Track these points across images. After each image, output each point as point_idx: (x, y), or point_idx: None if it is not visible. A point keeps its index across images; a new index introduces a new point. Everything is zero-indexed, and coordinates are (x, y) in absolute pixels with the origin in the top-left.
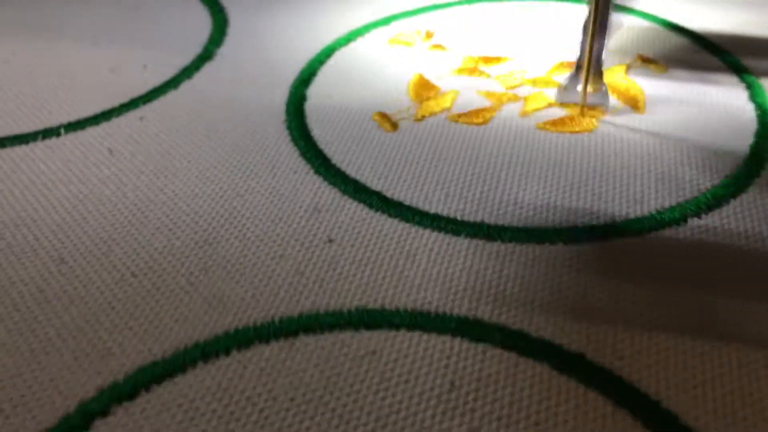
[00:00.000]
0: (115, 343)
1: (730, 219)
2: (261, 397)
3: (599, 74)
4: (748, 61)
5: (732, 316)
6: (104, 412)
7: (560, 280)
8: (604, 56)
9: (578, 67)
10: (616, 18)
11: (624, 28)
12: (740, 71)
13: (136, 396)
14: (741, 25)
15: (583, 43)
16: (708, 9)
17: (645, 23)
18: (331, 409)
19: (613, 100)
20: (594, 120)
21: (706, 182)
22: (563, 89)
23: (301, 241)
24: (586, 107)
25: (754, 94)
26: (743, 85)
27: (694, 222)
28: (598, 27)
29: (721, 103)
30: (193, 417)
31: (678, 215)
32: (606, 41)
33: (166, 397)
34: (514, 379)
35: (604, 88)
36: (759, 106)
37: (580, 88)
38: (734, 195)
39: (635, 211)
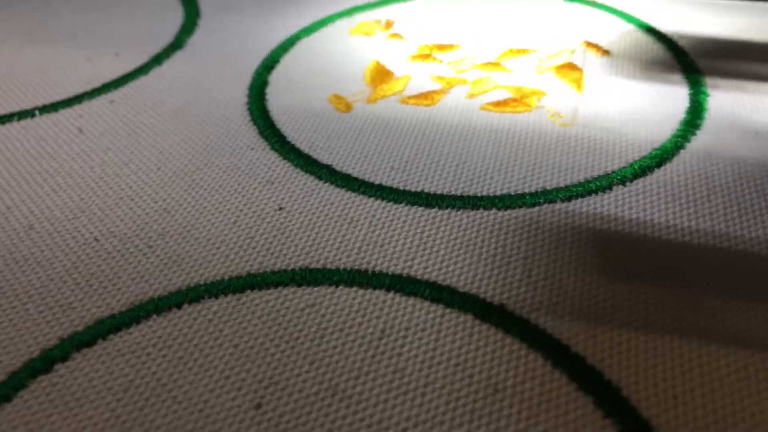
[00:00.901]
0: (77, 299)
1: (652, 186)
2: (207, 344)
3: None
4: (701, 60)
5: (644, 272)
6: (64, 358)
7: (489, 242)
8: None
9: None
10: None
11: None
12: (687, 66)
13: (94, 344)
14: (702, 26)
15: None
16: (678, 10)
17: (608, 17)
18: (271, 354)
19: (555, 80)
20: (535, 99)
21: (634, 154)
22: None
23: (253, 209)
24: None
25: (692, 87)
26: (686, 80)
27: (619, 190)
28: None
29: (658, 90)
30: (145, 361)
31: (605, 183)
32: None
33: (121, 345)
34: (440, 327)
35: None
36: (693, 96)
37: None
38: (659, 165)
39: (565, 180)
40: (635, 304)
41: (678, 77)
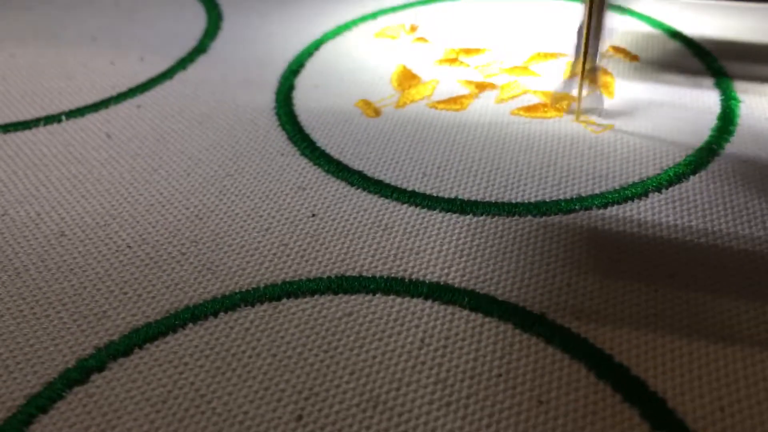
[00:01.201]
0: (111, 307)
1: (688, 193)
2: (245, 354)
3: (594, 78)
4: (728, 64)
5: (686, 278)
6: (101, 368)
7: (526, 250)
8: (598, 60)
9: (573, 70)
10: (611, 23)
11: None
12: (716, 71)
13: (130, 353)
14: (727, 30)
15: (577, 46)
16: (703, 15)
17: (635, 22)
18: (310, 364)
19: (584, 84)
20: (566, 104)
21: (668, 161)
22: (557, 94)
23: (286, 216)
24: (581, 111)
25: (722, 93)
26: (716, 85)
27: (655, 197)
28: (592, 31)
29: (689, 96)
30: (183, 371)
31: (640, 190)
32: (601, 45)
33: (158, 354)
34: (480, 337)
35: (598, 92)
36: (725, 102)
37: (575, 92)
38: (694, 172)
39: (600, 187)
40: (678, 312)
41: (707, 82)
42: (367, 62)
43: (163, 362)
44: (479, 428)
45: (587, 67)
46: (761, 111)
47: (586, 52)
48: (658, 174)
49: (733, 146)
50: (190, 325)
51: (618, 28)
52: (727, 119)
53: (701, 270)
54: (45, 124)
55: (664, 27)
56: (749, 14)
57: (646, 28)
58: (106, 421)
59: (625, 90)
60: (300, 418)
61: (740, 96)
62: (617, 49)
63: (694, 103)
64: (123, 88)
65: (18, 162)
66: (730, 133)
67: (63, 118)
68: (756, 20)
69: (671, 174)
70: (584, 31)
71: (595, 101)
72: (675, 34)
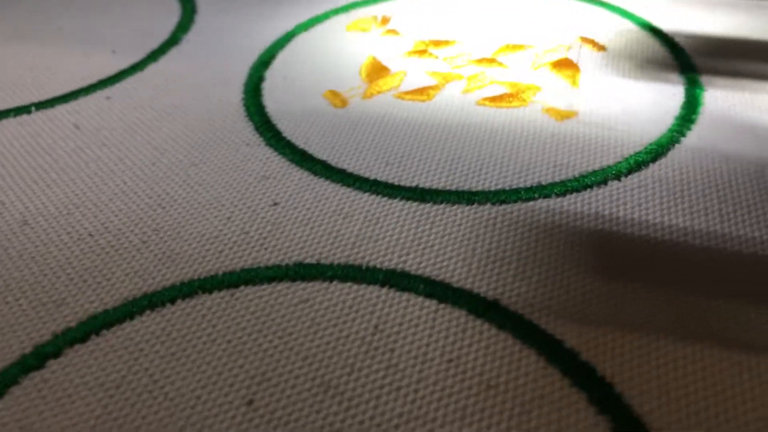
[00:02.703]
0: (70, 294)
1: (647, 181)
2: (201, 340)
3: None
4: (696, 57)
5: (640, 267)
6: (57, 354)
7: (484, 237)
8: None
9: None
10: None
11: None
12: (684, 63)
13: (87, 340)
14: (698, 23)
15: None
16: (676, 8)
17: (606, 13)
18: (264, 350)
19: (551, 75)
20: (531, 95)
21: (630, 149)
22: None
23: (248, 204)
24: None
25: (687, 83)
26: (682, 76)
27: (614, 184)
28: None
29: (654, 86)
30: (138, 357)
31: (600, 178)
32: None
33: (114, 340)
34: (433, 323)
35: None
36: (689, 91)
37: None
38: (654, 160)
39: (560, 175)
40: (630, 299)
41: (674, 74)
42: (337, 54)
43: (119, 348)
44: (428, 411)
45: None
46: (725, 102)
47: None
48: (619, 162)
49: (695, 135)
50: (148, 312)
51: (588, 18)
52: (690, 108)
53: (655, 259)
54: (15, 116)
55: (634, 18)
56: (721, 9)
57: (616, 19)
58: (60, 406)
59: (590, 80)
60: (251, 402)
61: (705, 87)
62: (585, 40)
63: (659, 93)
64: (93, 80)
65: None
66: (692, 121)
67: (32, 109)
68: (729, 15)
69: (631, 162)
70: None
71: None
72: (645, 26)
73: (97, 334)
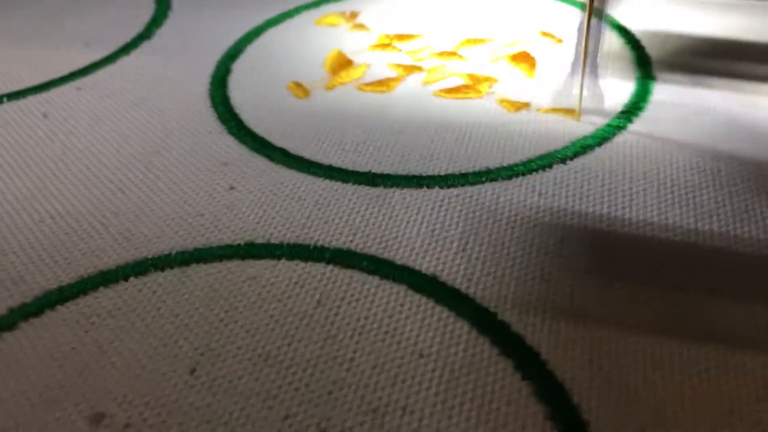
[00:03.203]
0: (28, 272)
1: (591, 164)
2: (150, 315)
3: (595, 76)
4: (653, 51)
5: (574, 244)
6: (12, 326)
7: (429, 218)
8: (599, 59)
9: (573, 69)
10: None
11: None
12: (638, 56)
13: (41, 314)
14: (657, 19)
15: (578, 45)
16: (639, 5)
17: (563, 6)
18: (210, 323)
19: (508, 67)
20: (487, 86)
21: (578, 135)
22: (558, 93)
23: (205, 189)
24: (581, 111)
25: (639, 74)
26: (635, 66)
27: (559, 168)
28: (593, 29)
29: (608, 75)
30: (88, 330)
31: (546, 162)
32: (602, 43)
33: (67, 315)
34: (374, 297)
35: (599, 91)
36: (640, 81)
37: (576, 91)
38: (599, 145)
39: (508, 160)
40: (562, 276)
41: (628, 64)
42: (304, 48)
43: (71, 322)
44: (361, 379)
45: (587, 66)
46: (673, 94)
47: (585, 53)
48: (565, 146)
49: (641, 123)
50: (101, 288)
51: (548, 13)
52: (639, 97)
53: (589, 237)
54: None
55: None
56: (687, 6)
57: (576, 13)
58: (11, 375)
59: (545, 70)
60: (194, 371)
61: (657, 79)
62: (545, 33)
63: (611, 83)
64: (65, 72)
65: None
66: (640, 109)
67: (4, 99)
68: (690, 10)
69: (578, 146)
70: (584, 31)
71: (596, 101)
72: (609, 22)
73: (52, 308)
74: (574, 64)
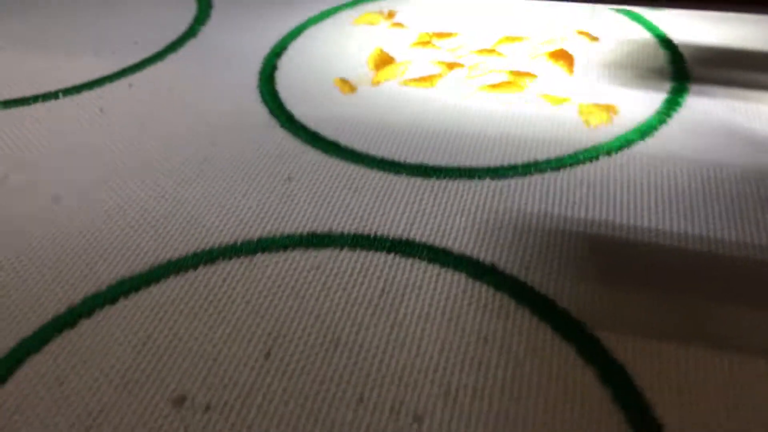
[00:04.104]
0: (100, 261)
1: (635, 158)
2: (221, 302)
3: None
4: (691, 60)
5: (626, 232)
6: (89, 314)
7: (483, 209)
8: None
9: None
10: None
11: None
12: (677, 65)
13: (116, 301)
14: (700, 32)
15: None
16: (680, 17)
17: (599, 6)
18: (279, 310)
19: (547, 64)
20: (528, 82)
21: (620, 130)
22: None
23: (264, 180)
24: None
25: (674, 78)
26: (672, 72)
27: (604, 160)
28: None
29: (644, 76)
30: (163, 317)
31: (592, 155)
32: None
33: (141, 302)
34: (435, 285)
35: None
36: (674, 87)
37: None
38: (642, 137)
39: (555, 152)
40: (617, 263)
41: (663, 66)
42: (346, 46)
43: (146, 309)
44: (429, 364)
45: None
46: (706, 102)
47: None
48: (610, 141)
49: (679, 120)
50: (172, 276)
51: (583, 12)
52: (673, 103)
53: (640, 225)
54: (44, 101)
55: (628, 13)
56: (724, 21)
57: (610, 14)
58: (92, 360)
59: (582, 68)
60: (268, 355)
61: (691, 87)
62: (580, 32)
63: (648, 84)
64: (117, 69)
65: (18, 134)
66: (678, 104)
67: (60, 95)
68: (730, 27)
69: (622, 140)
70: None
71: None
72: (649, 27)
73: (126, 296)
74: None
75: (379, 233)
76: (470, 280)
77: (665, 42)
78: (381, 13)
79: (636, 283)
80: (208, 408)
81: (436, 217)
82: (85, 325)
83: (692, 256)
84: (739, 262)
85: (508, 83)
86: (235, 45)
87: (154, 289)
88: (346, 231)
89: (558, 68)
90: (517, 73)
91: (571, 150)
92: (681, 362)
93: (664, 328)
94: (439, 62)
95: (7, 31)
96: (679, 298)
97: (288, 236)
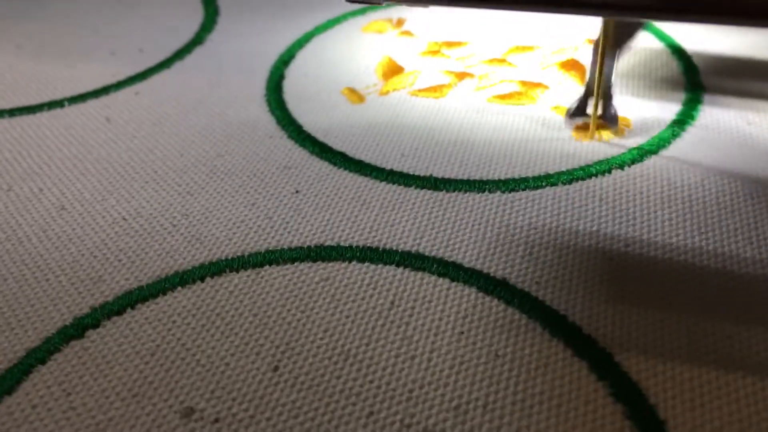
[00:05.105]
0: (107, 272)
1: (649, 171)
2: (228, 314)
3: (608, 97)
4: (705, 71)
5: (639, 248)
6: (95, 325)
7: (494, 222)
8: (613, 79)
9: (586, 90)
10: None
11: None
12: (692, 76)
13: (123, 312)
14: (716, 45)
15: (592, 64)
16: (698, 29)
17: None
18: (287, 323)
19: (558, 74)
20: (538, 92)
21: (632, 143)
22: (571, 113)
23: (271, 192)
24: (597, 128)
25: (688, 89)
26: (687, 83)
27: (617, 173)
28: (608, 49)
29: (657, 86)
30: (170, 328)
31: (604, 167)
32: (616, 64)
33: (148, 314)
34: (445, 299)
35: (613, 111)
36: (688, 97)
37: (589, 110)
38: (656, 151)
39: (566, 165)
40: (629, 278)
41: (676, 77)
42: (354, 54)
43: (153, 320)
44: (440, 378)
45: (602, 86)
46: (718, 116)
47: (601, 72)
48: (622, 153)
49: (693, 134)
50: (179, 288)
51: (593, 21)
52: (686, 115)
53: (653, 239)
54: (48, 109)
55: (652, 29)
56: (739, 30)
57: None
58: (100, 371)
59: None
60: (276, 368)
61: (705, 98)
62: (591, 41)
63: (661, 95)
64: (122, 77)
65: (22, 143)
66: (693, 118)
67: (65, 103)
68: (745, 36)
69: (634, 153)
70: (599, 49)
71: (609, 120)
72: (661, 36)
73: (133, 307)
74: (588, 83)
75: (388, 246)
76: (481, 295)
77: (678, 51)
78: (389, 21)
79: (649, 298)
80: (216, 420)
81: (446, 230)
82: (93, 337)
83: (707, 272)
84: (755, 279)
85: (519, 94)
86: (242, 53)
87: (161, 301)
88: (354, 243)
89: (569, 78)
90: (528, 84)
91: (582, 163)
92: (695, 379)
93: (677, 345)
94: (448, 72)
95: (5, 39)
96: (693, 314)
97: (296, 248)
